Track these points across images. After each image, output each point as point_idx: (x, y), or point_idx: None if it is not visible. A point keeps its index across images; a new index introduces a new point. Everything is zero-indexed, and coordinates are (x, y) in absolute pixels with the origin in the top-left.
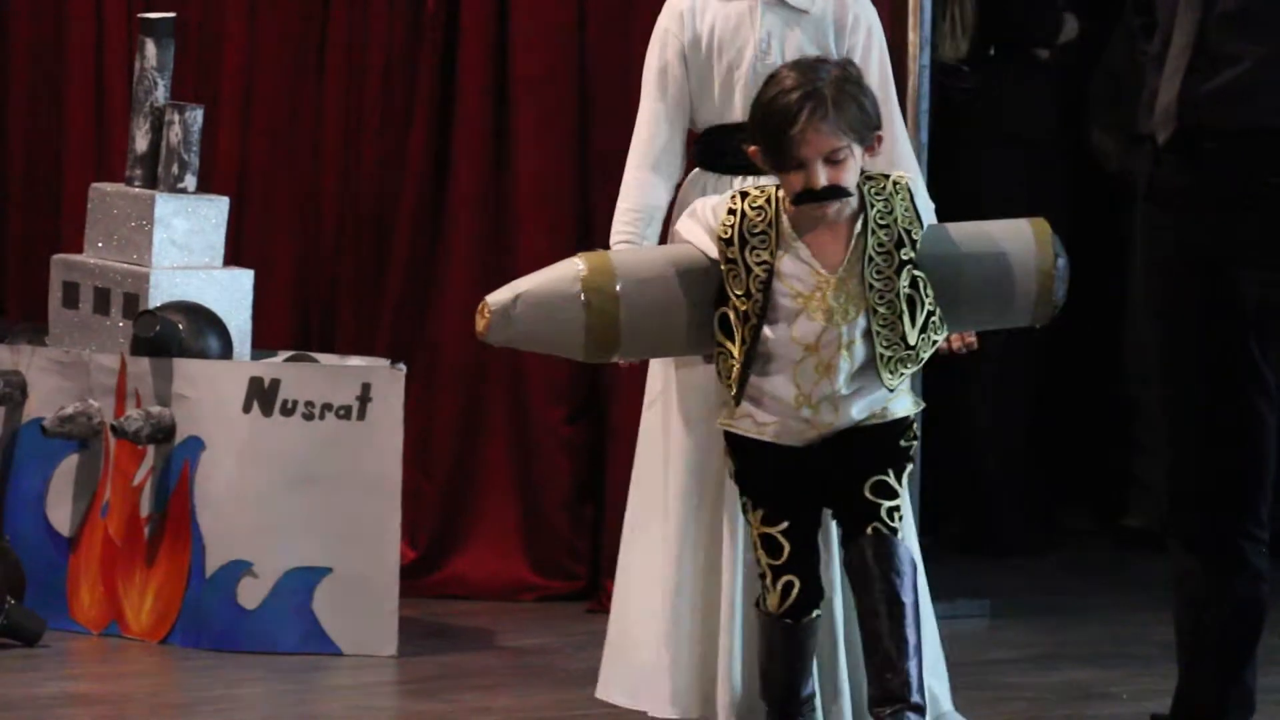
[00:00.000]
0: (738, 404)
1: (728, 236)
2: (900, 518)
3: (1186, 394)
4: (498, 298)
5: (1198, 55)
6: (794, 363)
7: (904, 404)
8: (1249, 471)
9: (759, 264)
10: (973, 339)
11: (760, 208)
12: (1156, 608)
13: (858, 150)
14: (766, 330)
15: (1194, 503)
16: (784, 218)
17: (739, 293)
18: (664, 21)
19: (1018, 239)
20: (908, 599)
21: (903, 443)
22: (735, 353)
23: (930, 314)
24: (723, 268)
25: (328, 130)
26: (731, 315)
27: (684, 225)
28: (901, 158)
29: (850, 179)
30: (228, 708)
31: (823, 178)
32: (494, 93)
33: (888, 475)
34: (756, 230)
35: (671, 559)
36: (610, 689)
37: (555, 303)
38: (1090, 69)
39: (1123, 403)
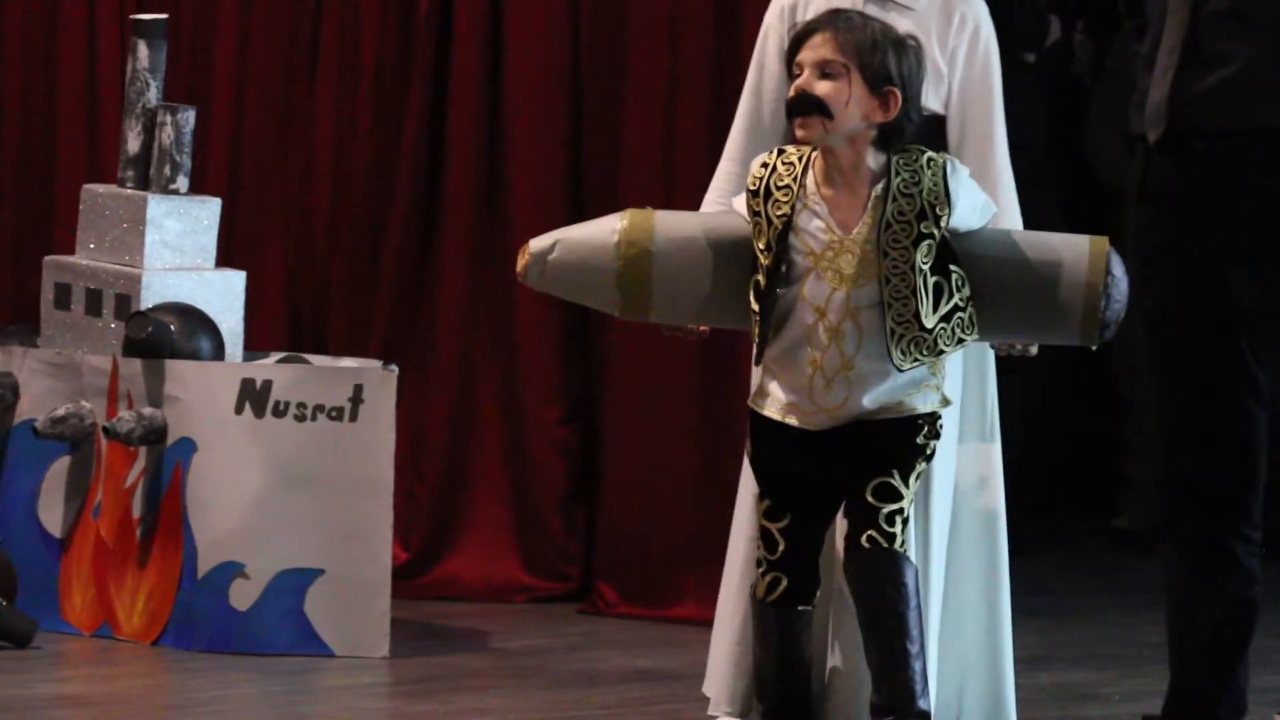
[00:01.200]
0: (759, 362)
1: (755, 189)
2: (903, 521)
3: (1178, 395)
4: (539, 242)
5: (1188, 55)
6: (807, 326)
7: (928, 399)
8: (1240, 472)
9: (778, 215)
10: (1029, 346)
11: (790, 164)
12: (1148, 609)
13: (858, 79)
14: (781, 289)
15: (1186, 503)
16: (810, 174)
17: (761, 247)
18: (768, 18)
19: (1073, 251)
20: (904, 608)
21: (919, 440)
22: (757, 310)
23: (958, 308)
24: (749, 221)
25: (320, 132)
26: (760, 277)
27: (738, 196)
28: (993, 170)
29: (836, 100)
30: (220, 709)
31: (807, 86)
32: (486, 96)
33: (893, 477)
34: (782, 184)
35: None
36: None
37: (591, 252)
38: (1069, 69)
39: (1113, 404)
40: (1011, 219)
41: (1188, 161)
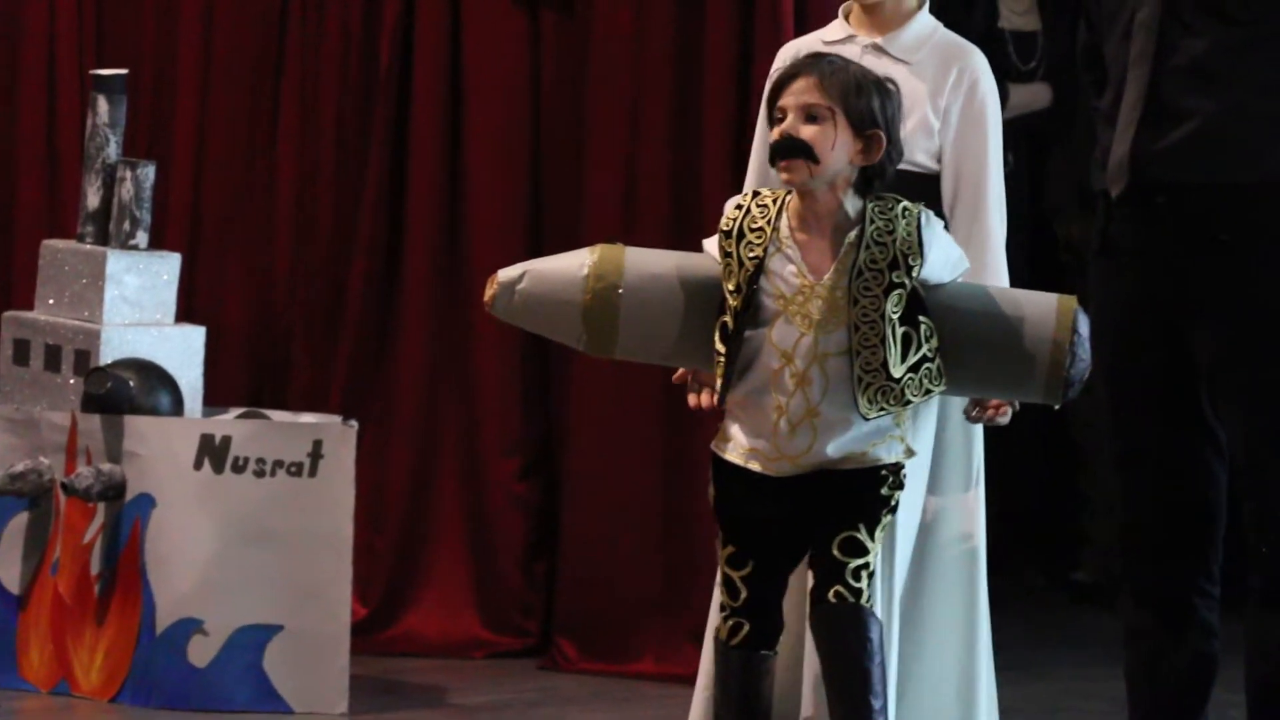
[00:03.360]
0: (722, 402)
1: (728, 229)
2: (869, 575)
3: (1138, 449)
4: (508, 272)
5: (1150, 111)
6: (772, 370)
7: (892, 450)
8: (1200, 527)
9: (750, 258)
10: (1001, 414)
11: (765, 206)
12: (1108, 663)
13: (843, 123)
14: (749, 331)
15: (1145, 558)
16: (785, 218)
17: (730, 288)
18: (776, 63)
19: (1041, 308)
20: (869, 663)
21: (883, 491)
22: (723, 351)
23: (926, 359)
24: (720, 263)
25: (280, 186)
26: (727, 319)
27: (711, 238)
28: (983, 230)
29: (822, 144)
30: None
31: (793, 130)
32: (447, 149)
33: (859, 530)
34: (755, 226)
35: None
36: None
37: (560, 284)
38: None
39: (1072, 459)
40: (997, 280)
41: (1149, 216)
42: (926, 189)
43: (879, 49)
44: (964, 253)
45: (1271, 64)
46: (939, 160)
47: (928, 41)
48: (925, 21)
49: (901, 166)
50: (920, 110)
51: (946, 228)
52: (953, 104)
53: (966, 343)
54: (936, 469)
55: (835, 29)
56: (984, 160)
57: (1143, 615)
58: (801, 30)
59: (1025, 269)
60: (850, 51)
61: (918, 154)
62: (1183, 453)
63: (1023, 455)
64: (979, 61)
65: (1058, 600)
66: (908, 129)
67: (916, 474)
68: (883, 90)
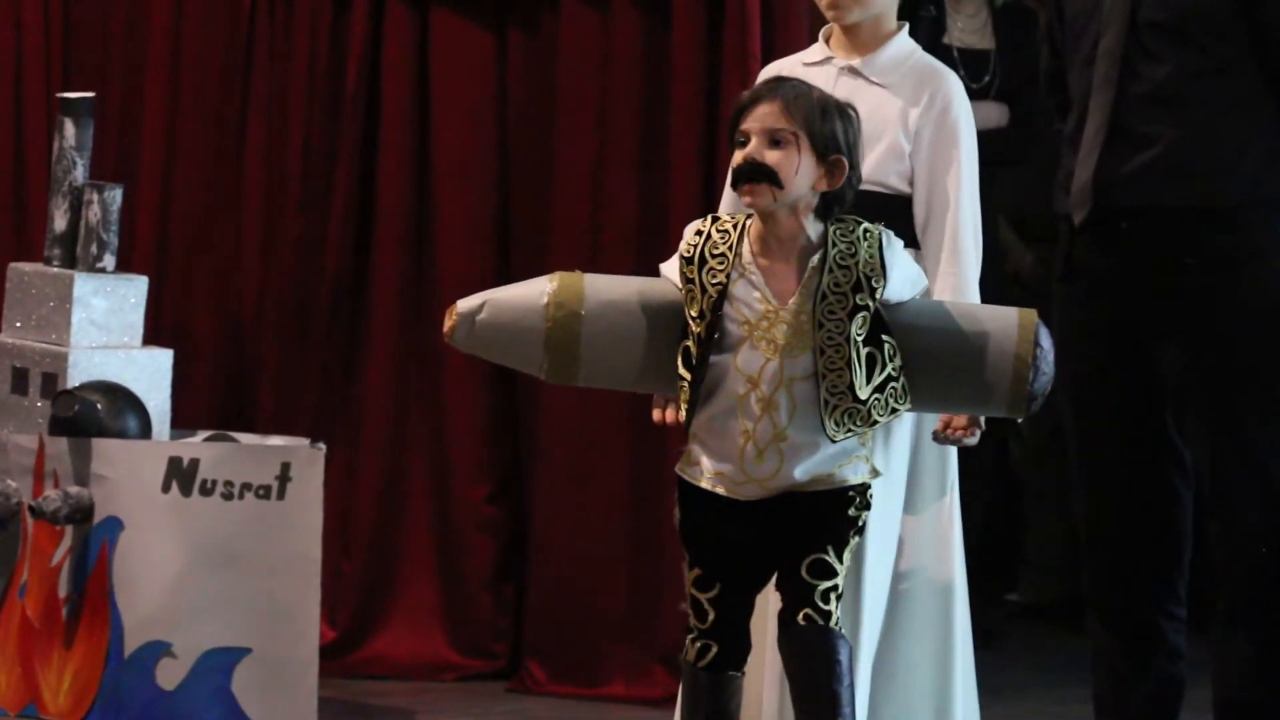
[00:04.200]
0: (688, 430)
1: (689, 255)
2: (837, 597)
3: (1103, 471)
4: (466, 302)
5: (1113, 137)
6: (738, 396)
7: (858, 471)
8: (1166, 550)
9: (713, 284)
10: (969, 434)
11: (725, 231)
12: (1060, 684)
13: (806, 147)
14: (713, 357)
15: (1111, 581)
16: (746, 243)
17: (694, 314)
18: (757, 84)
19: (1002, 322)
20: (838, 685)
21: (851, 512)
22: (688, 378)
23: (891, 379)
24: (682, 289)
25: (248, 209)
26: (690, 345)
27: (668, 262)
28: (958, 253)
29: (786, 169)
30: None
31: (757, 154)
32: (415, 171)
33: (827, 553)
34: (717, 252)
35: None
36: None
37: (520, 313)
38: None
39: (1011, 480)
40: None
41: (1113, 241)
42: (898, 211)
43: (855, 71)
44: (941, 275)
45: (1233, 89)
46: (910, 183)
47: (904, 64)
48: (903, 44)
49: (873, 188)
50: (892, 133)
51: (919, 250)
52: (924, 127)
53: (929, 360)
54: (912, 491)
55: (815, 51)
56: (956, 183)
57: (1109, 638)
58: (768, 49)
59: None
60: (827, 73)
61: (890, 176)
62: (1148, 475)
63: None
64: (953, 85)
65: (993, 618)
66: (879, 151)
67: (892, 495)
68: (845, 115)
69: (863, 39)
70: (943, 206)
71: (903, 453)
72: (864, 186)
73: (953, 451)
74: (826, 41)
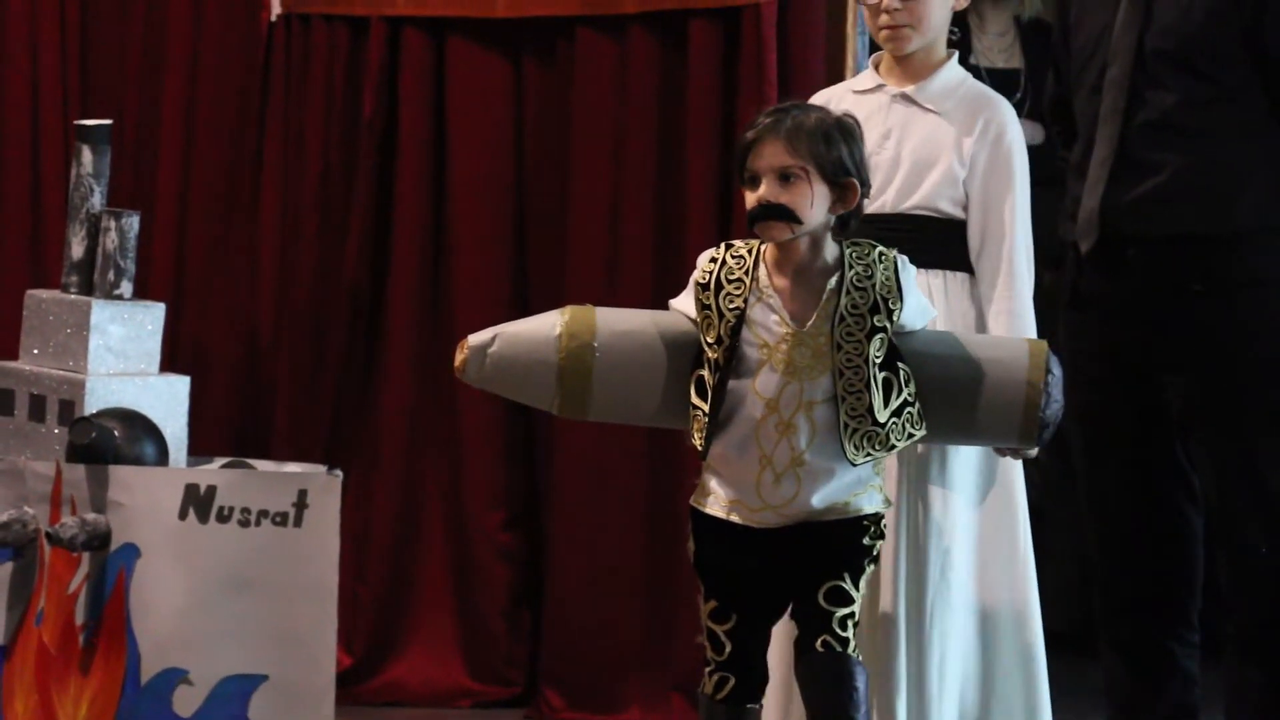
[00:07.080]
0: (704, 457)
1: (705, 282)
2: (854, 624)
3: (1113, 499)
4: (478, 337)
5: (1119, 165)
6: (756, 420)
7: (872, 500)
8: (1177, 576)
9: (731, 309)
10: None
11: (741, 257)
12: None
13: (817, 178)
14: (732, 382)
15: (1124, 608)
16: (762, 267)
17: (710, 340)
18: None
19: (1013, 351)
20: (855, 712)
21: (865, 541)
22: (704, 407)
23: (908, 404)
24: (697, 318)
25: (264, 236)
26: (705, 373)
27: (678, 298)
28: (1012, 283)
29: (801, 204)
30: None
31: (771, 196)
32: (431, 197)
33: (843, 580)
34: (733, 277)
35: None
36: None
37: (531, 346)
38: None
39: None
40: (1024, 331)
41: (1120, 268)
42: (951, 236)
43: (908, 99)
44: (996, 300)
45: (1240, 117)
46: (964, 209)
47: (956, 91)
48: (954, 72)
49: (927, 213)
50: (947, 159)
51: (973, 276)
52: (978, 153)
53: (941, 389)
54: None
55: (865, 79)
56: (1011, 210)
57: (1123, 666)
58: (785, 77)
59: None
60: (879, 101)
61: (943, 202)
62: (1157, 500)
63: None
64: (1006, 112)
65: None
66: (934, 177)
67: (963, 544)
68: (847, 133)
69: (914, 66)
70: (998, 233)
71: (971, 485)
72: (917, 211)
73: (1020, 498)
74: (876, 69)
